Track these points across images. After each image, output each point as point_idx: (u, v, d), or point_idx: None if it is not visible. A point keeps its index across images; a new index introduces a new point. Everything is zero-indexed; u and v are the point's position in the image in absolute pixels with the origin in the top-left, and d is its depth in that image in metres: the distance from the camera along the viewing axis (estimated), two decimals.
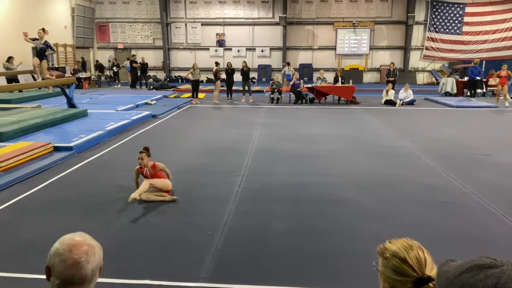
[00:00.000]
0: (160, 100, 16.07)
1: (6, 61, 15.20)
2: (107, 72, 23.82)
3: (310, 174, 6.85)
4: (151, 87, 20.97)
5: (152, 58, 24.41)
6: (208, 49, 24.48)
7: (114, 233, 4.57)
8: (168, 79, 23.83)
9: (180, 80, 23.89)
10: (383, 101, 16.05)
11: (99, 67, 23.33)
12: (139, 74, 21.27)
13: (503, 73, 15.40)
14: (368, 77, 24.16)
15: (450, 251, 4.07)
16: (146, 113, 12.33)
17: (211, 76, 18.19)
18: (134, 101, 14.57)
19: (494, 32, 22.74)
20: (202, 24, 24.35)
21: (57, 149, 7.76)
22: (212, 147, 8.75)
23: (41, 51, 11.22)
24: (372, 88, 20.11)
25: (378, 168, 7.22)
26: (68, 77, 17.12)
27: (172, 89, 20.58)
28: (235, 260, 4.04)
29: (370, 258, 1.41)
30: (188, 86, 18.84)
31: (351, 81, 16.77)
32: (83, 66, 22.40)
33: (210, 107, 15.25)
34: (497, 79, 16.11)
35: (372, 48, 23.83)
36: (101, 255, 1.38)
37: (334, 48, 24.04)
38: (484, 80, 18.86)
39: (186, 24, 24.48)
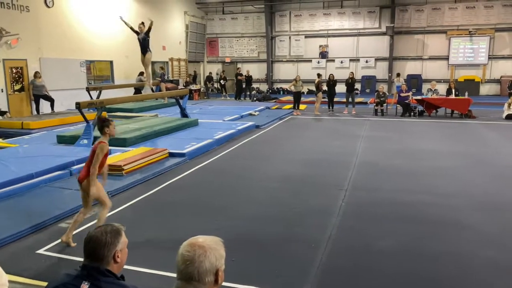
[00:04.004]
0: (263, 111, 16.55)
1: (139, 75, 17.13)
2: (215, 85, 25.30)
3: (418, 192, 6.44)
4: (254, 98, 21.72)
5: (256, 70, 25.27)
6: (310, 61, 24.59)
7: (222, 236, 4.80)
8: (270, 91, 24.47)
9: (282, 92, 24.35)
10: (504, 115, 14.48)
11: (209, 79, 24.90)
12: (244, 86, 22.20)
13: None
14: (486, 89, 22.02)
15: None
16: (250, 123, 12.78)
17: (313, 88, 18.22)
18: (239, 112, 15.21)
19: None
20: (306, 37, 24.57)
21: (171, 155, 8.45)
22: (313, 159, 8.73)
23: (144, 43, 12.27)
24: (491, 101, 18.27)
25: (497, 190, 6.52)
26: (181, 89, 18.58)
27: (274, 100, 21.05)
28: (339, 277, 3.96)
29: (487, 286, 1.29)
30: (290, 97, 19.09)
31: (466, 93, 15.44)
32: (194, 78, 24.09)
33: (311, 119, 15.25)
34: None
35: (491, 57, 21.70)
36: (217, 257, 1.49)
37: (446, 58, 22.41)
38: None
39: (290, 37, 24.93)
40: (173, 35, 22.85)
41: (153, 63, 18.93)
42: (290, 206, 5.86)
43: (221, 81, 23.64)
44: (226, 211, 5.69)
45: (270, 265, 4.15)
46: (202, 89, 23.90)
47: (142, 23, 12.45)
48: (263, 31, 24.98)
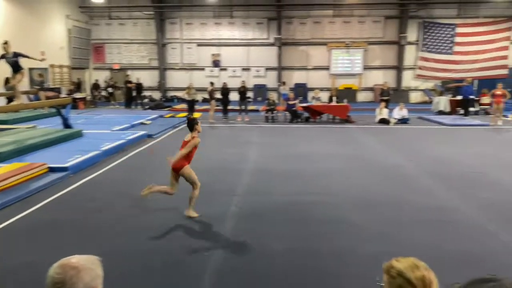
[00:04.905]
0: (155, 119, 16.09)
1: (6, 84, 15.16)
2: (103, 92, 23.88)
3: (308, 194, 6.83)
4: (146, 106, 21.04)
5: (148, 78, 24.52)
6: (203, 69, 24.68)
7: (106, 255, 4.50)
8: (164, 99, 23.95)
9: (176, 100, 23.98)
10: (377, 119, 16.18)
11: (95, 87, 23.42)
12: (134, 94, 21.36)
13: (499, 92, 15.59)
14: (362, 96, 24.39)
15: (450, 269, 4.03)
16: (142, 133, 12.31)
17: (207, 96, 18.31)
18: (129, 121, 14.57)
19: (485, 52, 23.15)
20: (198, 45, 24.61)
21: (52, 169, 7.70)
22: (208, 166, 8.70)
23: (14, 64, 10.09)
24: (366, 107, 20.27)
25: (376, 188, 7.21)
26: (64, 97, 17.15)
27: (167, 108, 20.63)
28: (234, 282, 3.98)
29: (370, 279, 1.40)
30: (184, 105, 18.90)
31: (345, 100, 16.92)
32: (78, 86, 22.46)
33: (206, 127, 15.25)
34: (490, 98, 16.31)
35: (365, 68, 24.14)
36: (92, 277, 1.37)
37: (328, 68, 24.34)
38: (477, 98, 19.12)
39: (181, 45, 24.73)
40: (53, 40, 20.98)
41: (30, 70, 17.20)
42: (183, 215, 5.74)
43: (109, 88, 22.42)
44: (113, 228, 5.35)
45: (158, 278, 4.01)
46: (88, 97, 22.39)
47: (6, 42, 10.17)
48: (153, 38, 24.39)
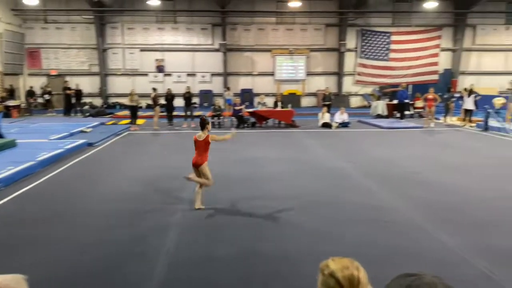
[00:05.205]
0: (96, 127, 15.51)
1: None
2: (39, 100, 22.60)
3: (255, 198, 6.89)
4: (87, 114, 20.21)
5: (88, 84, 23.59)
6: (147, 74, 24.15)
7: (41, 273, 4.27)
8: (106, 106, 23.13)
9: (118, 106, 23.24)
10: (319, 124, 16.69)
11: (30, 94, 22.12)
12: (73, 101, 20.44)
13: (430, 96, 16.65)
14: (306, 101, 25.04)
15: (388, 266, 4.25)
16: (82, 141, 11.82)
17: (151, 102, 17.92)
18: (68, 129, 13.92)
19: (417, 58, 24.68)
20: (141, 50, 24.06)
21: None
22: (153, 175, 8.53)
23: None
24: (310, 112, 20.84)
25: (319, 189, 7.43)
26: None
27: (109, 115, 19.96)
28: None
29: (315, 280, 1.45)
30: (127, 112, 18.38)
31: (290, 106, 17.30)
32: (11, 93, 21.10)
33: (150, 134, 14.95)
34: (424, 102, 17.40)
35: (308, 74, 24.84)
36: None
37: (273, 74, 24.76)
38: (411, 102, 20.31)
39: (123, 50, 24.06)
40: None
41: None
42: (129, 227, 5.59)
43: (45, 95, 21.30)
44: (51, 243, 5.08)
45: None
46: (22, 105, 21.09)
47: None
48: (93, 43, 23.51)
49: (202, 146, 6.26)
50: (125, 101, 18.83)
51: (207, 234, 5.33)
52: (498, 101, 16.77)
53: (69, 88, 20.34)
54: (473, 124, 16.35)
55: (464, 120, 16.91)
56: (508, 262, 4.38)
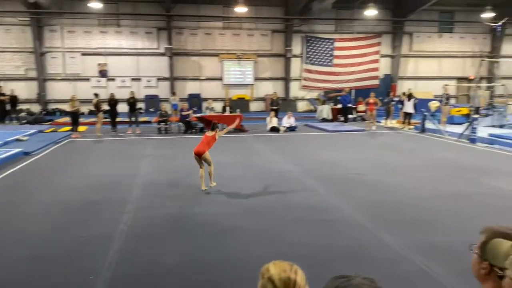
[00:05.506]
0: (34, 135, 14.67)
1: None
2: None
3: (202, 204, 6.81)
4: (24, 121, 19.07)
5: (25, 90, 22.27)
6: (89, 79, 23.23)
7: None
8: (44, 112, 21.94)
9: (59, 113, 22.13)
10: (268, 128, 16.88)
11: None
12: (8, 107, 19.21)
13: (372, 100, 17.38)
14: (254, 106, 25.24)
15: (330, 266, 4.36)
16: (17, 150, 11.12)
17: (94, 108, 17.26)
18: (2, 138, 13.02)
19: (360, 64, 25.71)
20: (82, 54, 23.11)
21: None
22: (96, 184, 8.19)
23: None
24: (258, 116, 21.03)
25: (267, 193, 7.49)
26: None
27: (48, 123, 18.95)
28: None
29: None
30: (68, 118, 17.55)
31: (238, 110, 17.34)
32: None
33: (93, 141, 14.36)
34: (366, 106, 18.13)
35: (256, 78, 25.06)
36: None
37: (221, 79, 24.72)
38: (354, 106, 21.10)
39: (63, 54, 22.99)
40: None
41: None
42: (69, 239, 5.30)
43: None
44: None
45: None
46: None
47: None
48: (30, 46, 22.27)
49: (209, 139, 7.60)
50: (66, 107, 17.99)
51: (150, 243, 5.18)
52: (434, 105, 17.87)
53: (3, 94, 19.09)
54: (412, 127, 17.26)
55: (403, 122, 17.81)
56: (443, 257, 4.64)
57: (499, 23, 21.63)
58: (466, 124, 14.19)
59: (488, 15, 22.34)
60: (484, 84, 24.40)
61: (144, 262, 4.63)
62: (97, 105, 15.58)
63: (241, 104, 22.77)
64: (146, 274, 4.35)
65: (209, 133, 7.74)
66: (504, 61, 25.56)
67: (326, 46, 25.32)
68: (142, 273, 4.36)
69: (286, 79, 25.27)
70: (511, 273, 1.09)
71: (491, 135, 13.72)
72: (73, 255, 4.85)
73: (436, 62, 26.89)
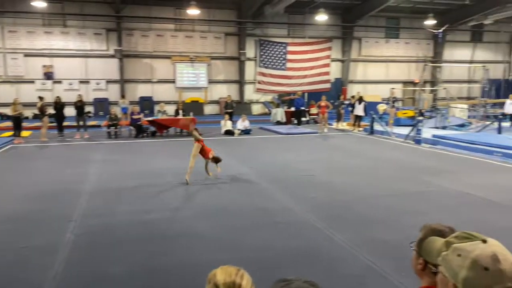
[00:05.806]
0: None
1: None
2: None
3: (155, 210, 6.64)
4: None
5: None
6: (33, 82, 22.07)
7: None
8: None
9: (0, 117, 20.83)
10: (222, 131, 16.82)
11: None
12: None
13: (323, 103, 17.79)
14: (208, 109, 25.06)
15: (282, 268, 4.40)
16: None
17: (38, 112, 16.41)
18: None
19: (312, 68, 26.26)
20: (25, 55, 21.92)
21: None
22: (41, 192, 7.77)
23: None
24: (213, 120, 20.91)
25: (221, 196, 7.45)
26: None
27: None
28: None
29: None
30: (9, 123, 16.56)
31: (191, 113, 17.14)
32: None
33: (38, 146, 13.65)
34: (318, 109, 18.52)
35: (210, 81, 24.92)
36: None
37: (173, 81, 24.35)
38: (307, 109, 21.51)
39: (4, 55, 21.70)
40: None
41: None
42: (11, 251, 4.99)
43: None
44: None
45: None
46: None
47: None
48: None
49: (203, 148, 9.01)
50: (7, 111, 16.98)
51: (99, 252, 4.99)
52: (381, 107, 18.61)
53: None
54: (361, 129, 17.85)
55: (353, 125, 18.37)
56: (389, 254, 4.81)
57: (440, 30, 22.97)
58: (411, 126, 14.87)
59: (430, 22, 23.62)
60: (428, 88, 25.74)
61: (92, 272, 4.45)
62: (42, 109, 14.84)
63: (195, 107, 22.55)
64: (94, 285, 4.18)
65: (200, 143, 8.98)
66: (446, 66, 27.12)
67: (279, 50, 25.65)
68: (90, 284, 4.19)
69: (240, 82, 25.32)
70: (443, 269, 1.15)
71: (434, 136, 14.48)
72: (16, 266, 4.57)
73: (383, 67, 28.02)
